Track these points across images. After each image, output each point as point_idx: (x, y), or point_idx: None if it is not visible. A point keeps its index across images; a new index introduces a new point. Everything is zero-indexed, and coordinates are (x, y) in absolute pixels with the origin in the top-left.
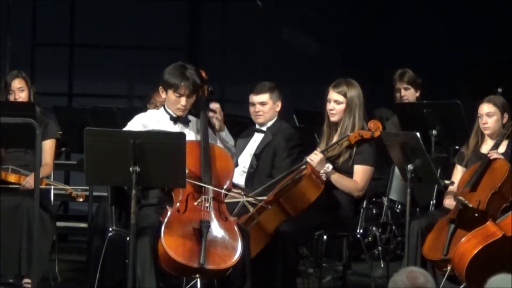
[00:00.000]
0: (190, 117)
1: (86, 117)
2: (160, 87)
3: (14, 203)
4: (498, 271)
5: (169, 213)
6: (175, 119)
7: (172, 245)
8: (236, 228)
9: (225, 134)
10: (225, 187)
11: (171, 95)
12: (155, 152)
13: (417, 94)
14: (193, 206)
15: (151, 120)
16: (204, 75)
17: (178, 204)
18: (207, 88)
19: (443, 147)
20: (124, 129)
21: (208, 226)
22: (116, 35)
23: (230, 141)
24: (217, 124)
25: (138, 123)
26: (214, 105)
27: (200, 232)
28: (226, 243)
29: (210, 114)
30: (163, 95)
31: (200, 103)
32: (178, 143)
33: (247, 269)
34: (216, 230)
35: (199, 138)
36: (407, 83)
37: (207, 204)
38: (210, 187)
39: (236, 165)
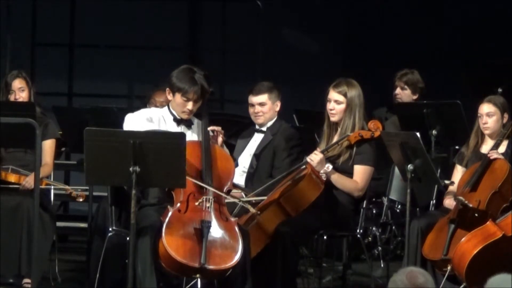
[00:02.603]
0: (194, 119)
1: (86, 117)
2: (167, 89)
3: (14, 203)
4: (498, 271)
5: (170, 213)
6: (179, 121)
7: (173, 245)
8: (236, 228)
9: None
10: (225, 187)
11: (179, 98)
12: (155, 152)
13: (415, 97)
14: (194, 206)
15: (157, 116)
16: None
17: (179, 204)
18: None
19: (443, 147)
20: (127, 120)
21: (209, 226)
22: (116, 35)
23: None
24: (219, 142)
25: (143, 117)
26: (214, 128)
27: (201, 232)
28: (226, 243)
29: (212, 134)
30: (169, 97)
31: (201, 103)
32: (178, 143)
33: (248, 270)
34: (217, 230)
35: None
36: (405, 83)
37: (208, 204)
38: (211, 189)
39: (236, 165)
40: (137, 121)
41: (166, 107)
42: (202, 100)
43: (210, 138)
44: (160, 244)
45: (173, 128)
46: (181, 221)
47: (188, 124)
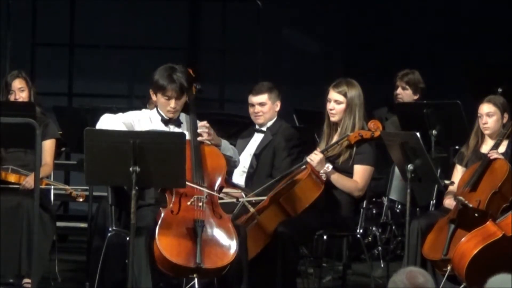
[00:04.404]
0: (183, 118)
1: (86, 117)
2: (151, 90)
3: (14, 203)
4: (498, 271)
5: (162, 214)
6: (166, 121)
7: (167, 247)
8: (230, 225)
9: (223, 148)
10: (217, 184)
11: (160, 98)
12: (155, 152)
13: (416, 97)
14: (186, 206)
15: (144, 118)
16: (192, 73)
17: (171, 204)
18: (195, 87)
19: (443, 147)
20: (103, 120)
21: (202, 225)
22: (116, 35)
23: (228, 152)
24: (211, 143)
25: (124, 119)
26: (200, 126)
27: (195, 231)
28: (221, 241)
29: (199, 138)
30: (154, 98)
31: (188, 102)
32: (178, 143)
33: (244, 267)
34: (211, 228)
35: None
36: (406, 83)
37: (200, 204)
38: (205, 190)
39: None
40: (112, 122)
41: (155, 109)
42: (185, 97)
43: (206, 134)
44: (154, 246)
45: (162, 128)
46: (174, 222)
47: (177, 123)
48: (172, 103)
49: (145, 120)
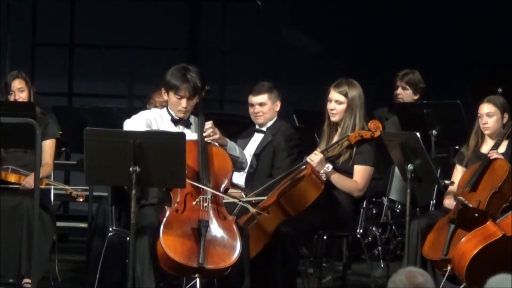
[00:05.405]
0: (192, 119)
1: (86, 117)
2: (162, 88)
3: (14, 203)
4: (498, 271)
5: (167, 213)
6: (176, 121)
7: (171, 245)
8: (234, 227)
9: (229, 147)
10: (223, 186)
11: (172, 97)
12: (155, 152)
13: (416, 97)
14: (191, 206)
15: (156, 117)
16: None
17: (176, 204)
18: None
19: (443, 147)
20: (128, 121)
21: (207, 226)
22: (116, 35)
23: (234, 152)
24: (216, 143)
25: (143, 118)
26: (206, 127)
27: (199, 231)
28: (225, 242)
29: (206, 139)
30: (165, 97)
31: (197, 103)
32: (178, 143)
33: (246, 268)
34: (215, 229)
35: None
36: (406, 83)
37: (205, 204)
38: (209, 190)
39: None
40: (137, 127)
41: (165, 108)
42: (196, 98)
43: (211, 134)
44: (158, 244)
45: (171, 128)
46: (179, 221)
47: (186, 124)
48: (184, 102)
49: (157, 118)
